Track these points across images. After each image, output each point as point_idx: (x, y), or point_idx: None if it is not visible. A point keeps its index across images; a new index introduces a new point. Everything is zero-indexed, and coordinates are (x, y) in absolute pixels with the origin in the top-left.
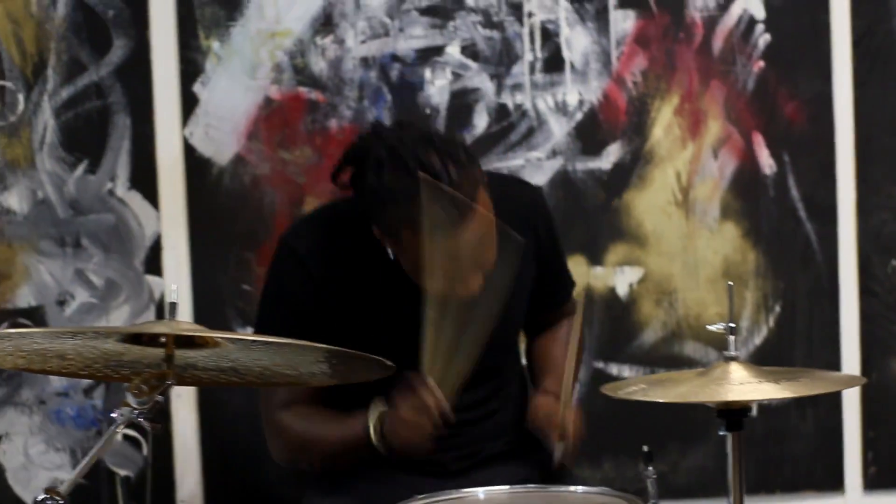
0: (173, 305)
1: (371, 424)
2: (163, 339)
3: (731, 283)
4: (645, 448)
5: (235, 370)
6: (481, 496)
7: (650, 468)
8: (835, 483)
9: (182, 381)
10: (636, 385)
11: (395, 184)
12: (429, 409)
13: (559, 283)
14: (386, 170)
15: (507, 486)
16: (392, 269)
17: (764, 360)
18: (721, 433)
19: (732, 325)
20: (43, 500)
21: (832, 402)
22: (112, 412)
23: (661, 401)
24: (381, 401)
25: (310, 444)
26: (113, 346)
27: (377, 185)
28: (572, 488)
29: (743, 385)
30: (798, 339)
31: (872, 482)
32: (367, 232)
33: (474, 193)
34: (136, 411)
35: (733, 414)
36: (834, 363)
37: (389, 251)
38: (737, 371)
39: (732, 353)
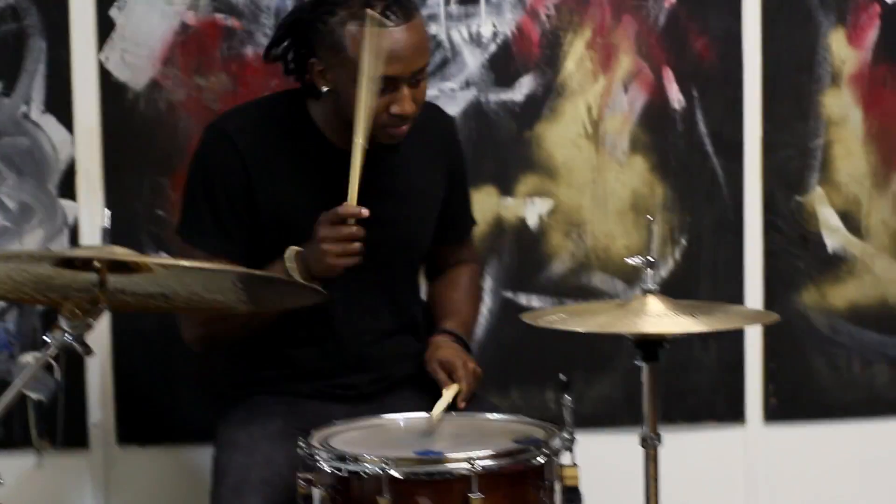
0: (106, 231)
1: (287, 257)
2: (96, 264)
3: (650, 216)
4: (562, 377)
5: (164, 296)
6: (401, 423)
7: (567, 396)
8: (735, 414)
9: (113, 307)
10: (555, 315)
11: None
12: (342, 216)
13: (461, 217)
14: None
15: (424, 413)
16: (323, 153)
17: (670, 292)
18: (637, 363)
19: (651, 258)
20: None
21: (734, 336)
22: (45, 335)
23: (580, 330)
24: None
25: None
26: (43, 270)
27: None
28: (489, 415)
29: (660, 317)
30: (703, 273)
31: (772, 414)
32: (306, 121)
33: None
34: (70, 335)
35: (650, 345)
36: (737, 297)
37: (323, 88)
38: (654, 304)
39: (650, 286)
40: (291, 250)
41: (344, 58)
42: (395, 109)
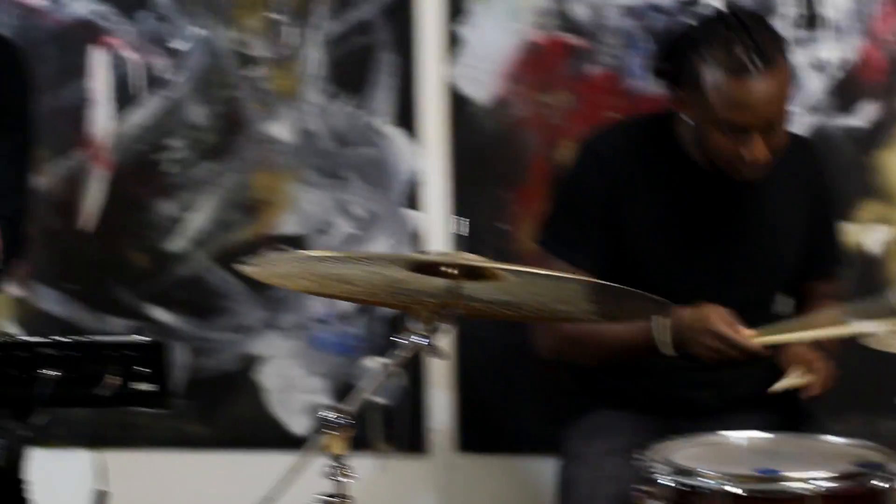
0: (460, 237)
1: (658, 328)
2: (451, 270)
3: None
4: None
5: (513, 304)
6: (743, 441)
7: None
8: None
9: (465, 312)
10: None
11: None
12: (735, 343)
13: (825, 253)
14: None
15: (769, 433)
16: (689, 176)
17: None
18: None
19: None
20: (328, 416)
21: None
22: (397, 338)
23: None
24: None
25: (586, 337)
26: (396, 274)
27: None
28: (827, 437)
29: None
30: None
31: None
32: (673, 145)
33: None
34: (421, 338)
35: None
36: None
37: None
38: None
39: None
40: (663, 323)
41: (701, 97)
42: (746, 155)
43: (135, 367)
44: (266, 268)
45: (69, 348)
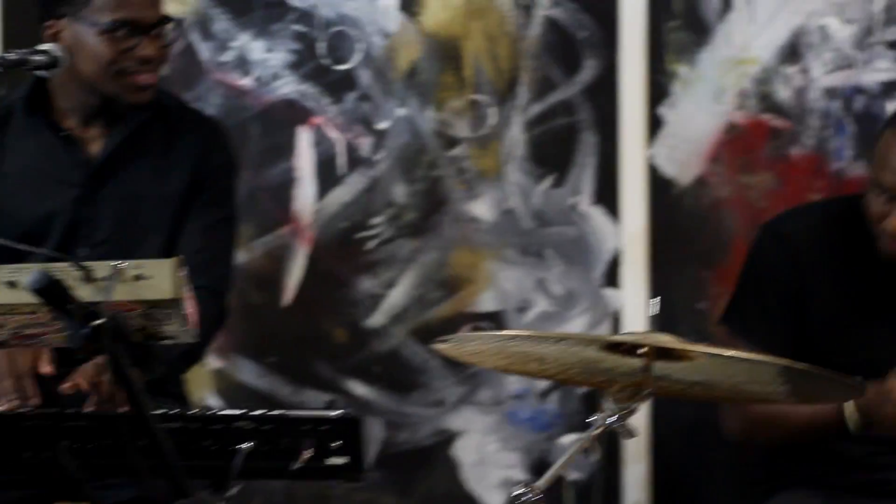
0: (653, 317)
1: (848, 416)
2: (642, 350)
3: None
4: None
5: (706, 384)
6: None
7: None
8: None
9: (656, 392)
10: None
11: None
12: None
13: None
14: None
15: None
16: (885, 276)
17: None
18: None
19: None
20: (520, 493)
21: None
22: (591, 417)
23: None
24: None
25: (774, 418)
26: (591, 354)
27: None
28: None
29: None
30: None
31: None
32: (862, 230)
33: None
34: (614, 418)
35: None
36: None
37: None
38: None
39: None
40: (852, 408)
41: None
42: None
43: (329, 442)
44: (460, 346)
45: (264, 421)
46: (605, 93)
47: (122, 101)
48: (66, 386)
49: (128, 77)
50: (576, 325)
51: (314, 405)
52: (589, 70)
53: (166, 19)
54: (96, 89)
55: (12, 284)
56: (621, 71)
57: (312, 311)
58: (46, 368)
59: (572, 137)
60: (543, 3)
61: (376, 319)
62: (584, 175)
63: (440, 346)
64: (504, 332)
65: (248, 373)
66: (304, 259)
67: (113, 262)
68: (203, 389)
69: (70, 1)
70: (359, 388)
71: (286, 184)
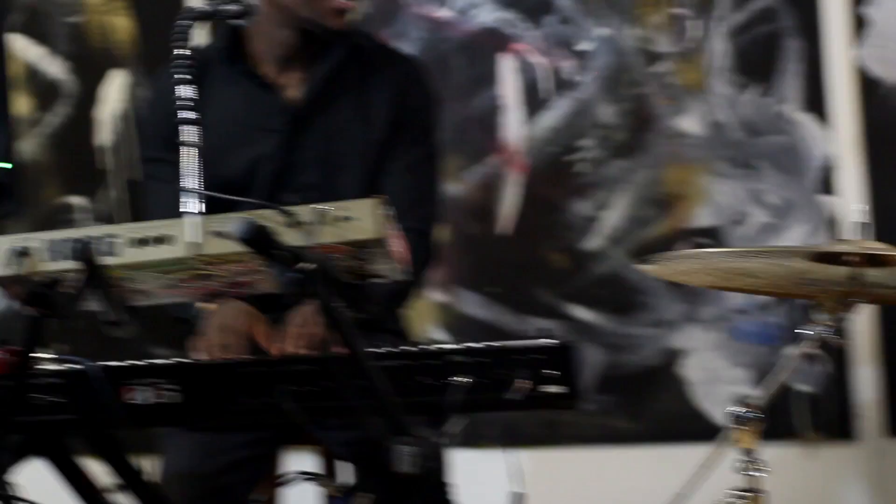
0: (862, 225)
1: None
2: (850, 258)
3: None
4: None
5: None
6: None
7: None
8: None
9: (869, 300)
10: None
11: None
12: None
13: None
14: None
15: None
16: None
17: None
18: None
19: None
20: (737, 410)
21: None
22: (798, 329)
23: None
24: None
25: None
26: (799, 265)
27: None
28: None
29: None
30: None
31: None
32: None
33: None
34: (826, 328)
35: None
36: None
37: None
38: None
39: None
40: None
41: None
42: None
43: (544, 371)
44: (668, 266)
45: (479, 354)
46: None
47: (319, 29)
48: (273, 350)
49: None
50: (793, 234)
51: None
52: None
53: None
54: (293, 22)
55: (220, 234)
56: None
57: (529, 238)
58: (263, 341)
59: (775, 44)
60: None
61: (593, 242)
62: (790, 82)
63: (650, 268)
64: (708, 250)
65: (471, 304)
66: (516, 186)
67: (317, 206)
68: (427, 323)
69: None
70: (581, 313)
71: (492, 112)
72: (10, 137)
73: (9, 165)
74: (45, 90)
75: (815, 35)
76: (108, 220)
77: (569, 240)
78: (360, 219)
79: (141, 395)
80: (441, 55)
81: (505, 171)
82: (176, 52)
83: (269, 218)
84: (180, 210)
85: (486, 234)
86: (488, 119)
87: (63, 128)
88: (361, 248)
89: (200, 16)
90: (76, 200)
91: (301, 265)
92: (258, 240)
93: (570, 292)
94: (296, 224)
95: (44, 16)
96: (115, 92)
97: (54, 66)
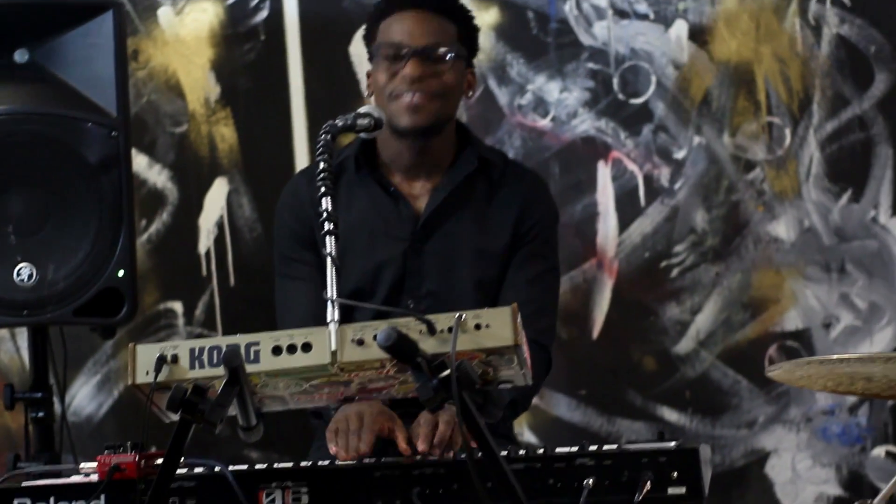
0: None
1: None
2: None
3: None
4: None
5: None
6: None
7: None
8: None
9: None
10: None
11: None
12: None
13: None
14: None
15: None
16: None
17: None
18: None
19: None
20: None
21: None
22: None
23: None
24: None
25: None
26: None
27: None
28: None
29: None
30: None
31: None
32: None
33: None
34: None
35: None
36: None
37: None
38: None
39: None
40: None
41: None
42: None
43: (668, 472)
44: (790, 372)
45: (604, 457)
46: None
47: (399, 128)
48: (404, 449)
49: (397, 98)
50: (882, 337)
51: (630, 435)
52: (880, 84)
53: (437, 45)
54: (391, 128)
55: (361, 342)
56: None
57: (621, 342)
58: (403, 446)
59: (867, 151)
60: (832, 22)
61: (684, 345)
62: (882, 188)
63: (773, 373)
64: (833, 357)
65: (562, 406)
66: (609, 291)
67: (455, 314)
68: (519, 426)
69: (368, 42)
70: (670, 414)
71: (589, 218)
72: (132, 244)
73: (122, 273)
74: (149, 198)
75: None
76: (206, 326)
77: (660, 343)
78: (496, 326)
79: (270, 499)
80: (540, 163)
81: (599, 276)
82: (319, 164)
83: (407, 325)
84: (312, 309)
85: (578, 337)
86: (585, 225)
87: (165, 235)
88: (493, 355)
89: (340, 130)
90: (176, 306)
91: (441, 372)
92: (401, 347)
93: (659, 394)
94: (433, 331)
95: (150, 125)
96: (217, 199)
97: (159, 175)
